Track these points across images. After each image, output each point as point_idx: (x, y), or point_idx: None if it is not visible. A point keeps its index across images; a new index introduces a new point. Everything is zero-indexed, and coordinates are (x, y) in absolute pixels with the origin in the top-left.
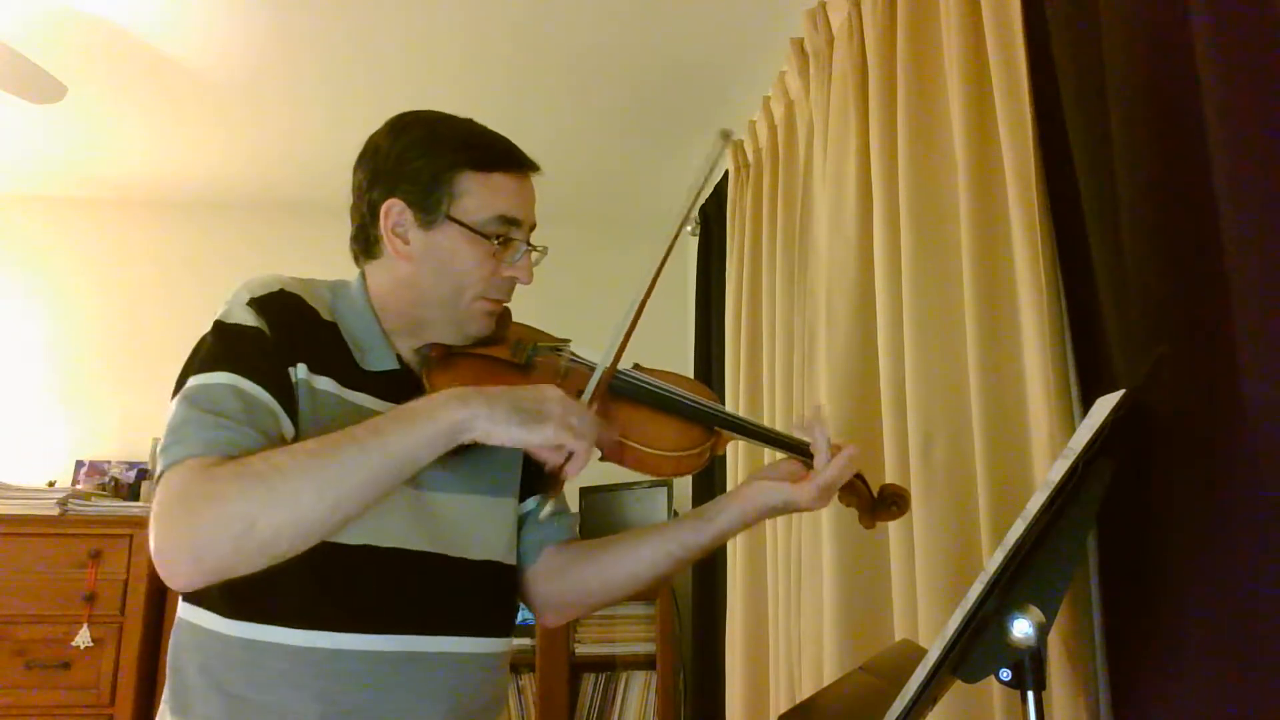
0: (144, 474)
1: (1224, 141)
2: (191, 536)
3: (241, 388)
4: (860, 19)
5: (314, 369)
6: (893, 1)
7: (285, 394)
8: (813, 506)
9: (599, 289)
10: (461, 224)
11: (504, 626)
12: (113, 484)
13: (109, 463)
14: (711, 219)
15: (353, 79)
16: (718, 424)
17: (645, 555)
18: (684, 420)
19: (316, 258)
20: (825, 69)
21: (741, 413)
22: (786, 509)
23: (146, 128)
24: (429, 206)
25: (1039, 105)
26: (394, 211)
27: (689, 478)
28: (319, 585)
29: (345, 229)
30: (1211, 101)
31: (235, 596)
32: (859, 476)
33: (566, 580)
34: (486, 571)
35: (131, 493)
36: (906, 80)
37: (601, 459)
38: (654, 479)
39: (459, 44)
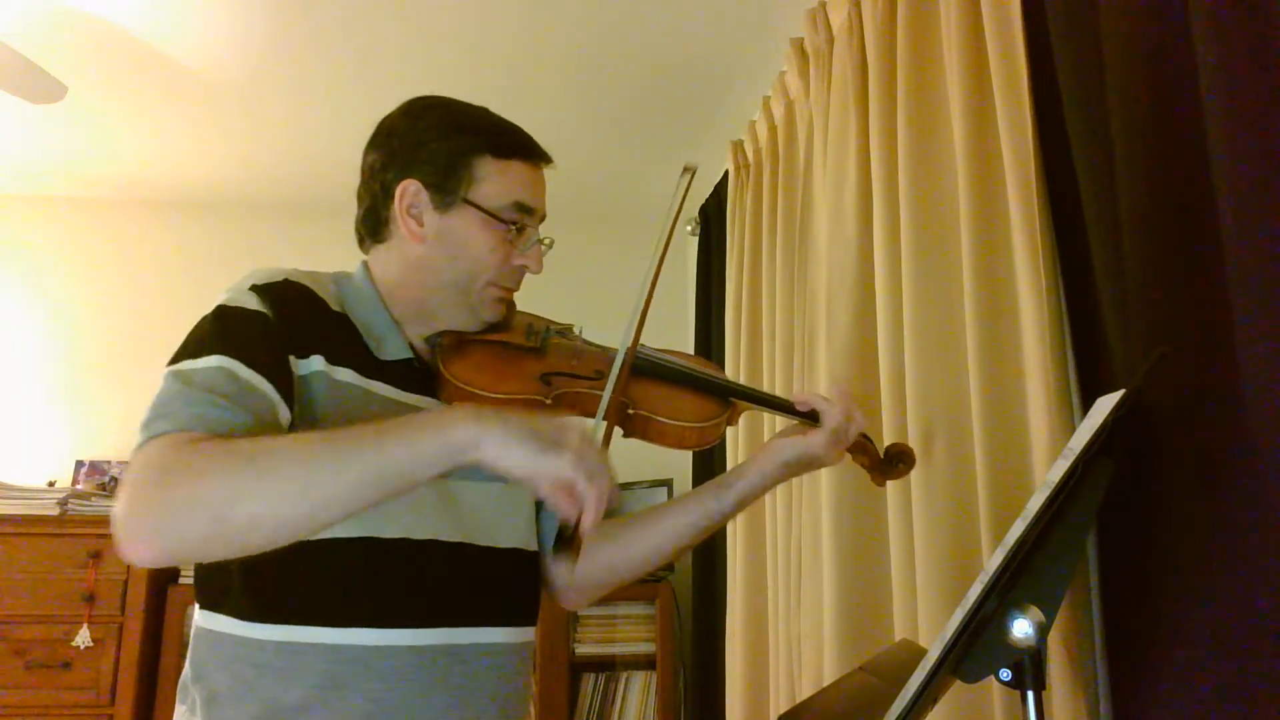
0: None
1: (1224, 141)
2: (162, 511)
3: (235, 371)
4: (860, 19)
5: (332, 360)
6: (893, 1)
7: (284, 381)
8: (827, 456)
9: (598, 288)
10: (479, 208)
11: (531, 614)
12: (113, 484)
13: (109, 463)
14: (711, 219)
15: (352, 79)
16: (733, 395)
17: (669, 528)
18: (702, 393)
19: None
20: (825, 69)
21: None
22: (802, 460)
23: (146, 128)
24: (446, 189)
25: (1039, 105)
26: (410, 192)
27: (688, 479)
28: (357, 581)
29: (345, 229)
30: (1211, 101)
31: (263, 598)
32: (866, 437)
33: (591, 560)
34: (513, 559)
35: None
36: (906, 80)
37: (625, 436)
38: (653, 480)
39: (458, 45)
